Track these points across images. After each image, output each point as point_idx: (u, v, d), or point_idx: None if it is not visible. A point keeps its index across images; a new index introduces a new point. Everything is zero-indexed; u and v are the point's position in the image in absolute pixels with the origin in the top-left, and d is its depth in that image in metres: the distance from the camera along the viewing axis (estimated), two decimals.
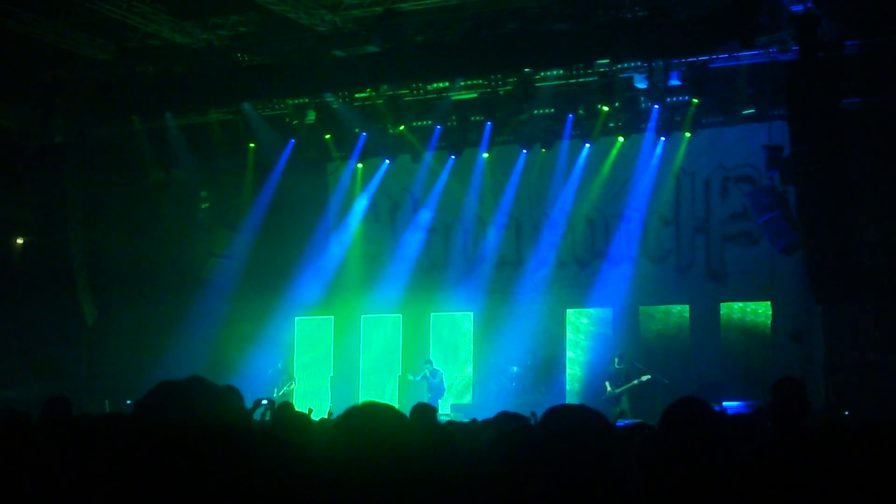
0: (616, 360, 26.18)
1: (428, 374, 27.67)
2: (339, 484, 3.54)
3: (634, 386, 25.61)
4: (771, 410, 7.18)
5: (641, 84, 25.05)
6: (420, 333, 29.79)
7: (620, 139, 27.07)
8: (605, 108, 25.97)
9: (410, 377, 28.06)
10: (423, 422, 10.05)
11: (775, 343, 25.35)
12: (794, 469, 5.68)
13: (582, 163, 27.88)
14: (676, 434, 4.70)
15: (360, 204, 30.73)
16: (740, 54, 23.67)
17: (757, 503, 5.48)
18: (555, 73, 25.86)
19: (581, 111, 26.62)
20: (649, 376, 25.62)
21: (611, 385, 25.84)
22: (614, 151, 27.52)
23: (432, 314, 29.88)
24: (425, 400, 26.65)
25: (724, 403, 21.28)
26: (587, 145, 27.50)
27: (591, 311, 28.11)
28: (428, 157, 29.08)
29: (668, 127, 26.21)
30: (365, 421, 3.72)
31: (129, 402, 23.47)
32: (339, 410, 3.89)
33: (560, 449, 3.65)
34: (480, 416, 14.25)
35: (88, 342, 29.31)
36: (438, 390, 27.29)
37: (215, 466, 2.86)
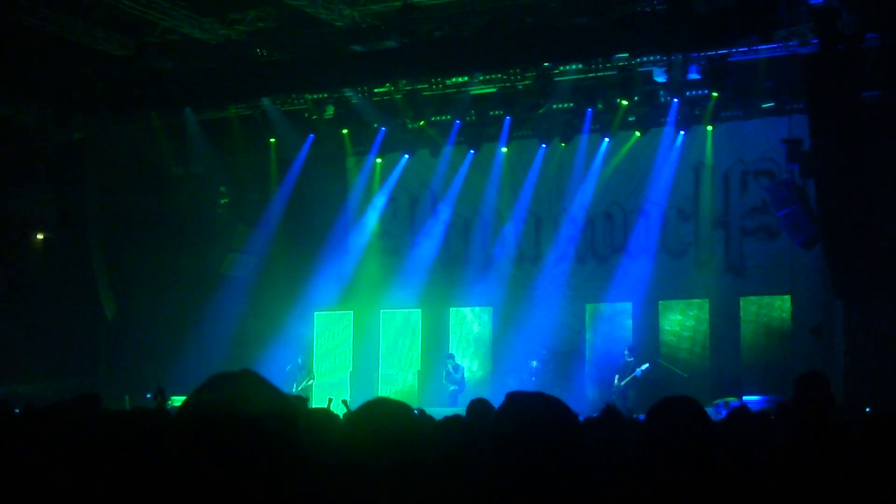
0: (626, 352, 26.25)
1: (451, 370, 27.69)
2: (347, 479, 3.59)
3: (637, 377, 25.69)
4: (794, 405, 7.13)
5: (661, 78, 25.00)
6: (439, 328, 29.77)
7: (637, 134, 27.02)
8: (625, 103, 25.89)
9: (445, 382, 27.94)
10: (479, 418, 10.02)
11: (795, 337, 25.26)
12: (822, 467, 5.64)
13: (601, 157, 27.87)
14: (659, 437, 4.66)
15: (379, 199, 30.75)
16: (759, 48, 23.58)
17: (786, 501, 5.46)
18: (574, 67, 25.77)
19: (600, 105, 26.60)
20: (648, 365, 25.73)
21: (619, 378, 25.92)
22: (627, 146, 27.50)
23: (451, 309, 29.86)
24: (448, 394, 26.71)
25: (744, 398, 21.27)
26: (606, 139, 27.52)
27: (611, 305, 28.04)
28: (447, 151, 29.13)
29: (688, 121, 26.22)
30: (375, 417, 3.77)
31: (148, 395, 23.45)
32: (356, 405, 3.99)
33: (515, 438, 3.66)
34: None
35: (108, 338, 29.35)
36: (461, 385, 27.31)
37: (267, 455, 2.95)
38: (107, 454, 4.49)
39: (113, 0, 23.56)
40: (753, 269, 26.45)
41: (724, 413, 18.13)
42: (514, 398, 3.85)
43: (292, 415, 3.14)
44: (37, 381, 26.38)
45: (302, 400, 11.91)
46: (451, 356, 28.17)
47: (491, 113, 27.80)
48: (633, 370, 25.83)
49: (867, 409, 19.94)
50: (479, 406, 10.38)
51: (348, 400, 21.27)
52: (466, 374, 28.11)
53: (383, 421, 3.72)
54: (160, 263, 30.11)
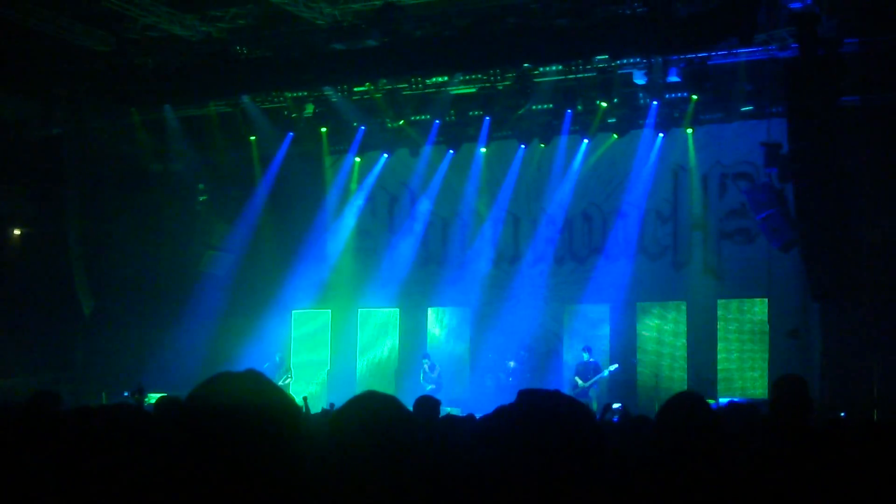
0: (584, 352, 26.27)
1: (427, 369, 27.69)
2: (339, 472, 3.60)
3: (604, 378, 25.76)
4: (772, 408, 7.15)
5: (640, 80, 25.05)
6: (417, 328, 29.75)
7: (614, 136, 27.07)
8: (604, 104, 25.98)
9: (422, 381, 27.90)
10: (426, 414, 10.07)
11: (772, 340, 25.34)
12: (800, 469, 5.68)
13: (580, 158, 27.90)
14: (673, 428, 4.67)
15: (358, 198, 30.72)
16: (739, 51, 23.71)
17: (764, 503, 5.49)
18: (554, 68, 25.87)
19: (580, 107, 26.66)
20: (617, 366, 25.83)
21: (581, 379, 25.94)
22: (603, 147, 27.57)
23: (429, 308, 29.84)
24: (425, 393, 26.64)
25: (721, 401, 21.32)
26: (585, 141, 27.56)
27: (589, 307, 28.04)
28: (426, 151, 29.14)
29: (667, 123, 26.29)
30: (365, 410, 3.77)
31: (126, 393, 23.39)
32: (333, 403, 4.00)
33: (536, 433, 3.65)
34: (477, 411, 14.27)
35: (85, 334, 29.28)
36: (438, 384, 27.29)
37: (275, 449, 3.01)
38: (86, 449, 4.50)
39: None
40: (731, 272, 26.49)
41: None
42: (528, 394, 3.84)
43: (297, 411, 3.19)
44: (14, 375, 26.29)
45: None
46: (427, 355, 28.17)
47: (470, 113, 27.87)
48: (594, 370, 25.91)
49: (841, 414, 20.03)
50: (426, 402, 10.44)
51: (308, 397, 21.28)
52: (443, 374, 28.08)
53: (373, 413, 3.74)
54: (138, 260, 30.07)
